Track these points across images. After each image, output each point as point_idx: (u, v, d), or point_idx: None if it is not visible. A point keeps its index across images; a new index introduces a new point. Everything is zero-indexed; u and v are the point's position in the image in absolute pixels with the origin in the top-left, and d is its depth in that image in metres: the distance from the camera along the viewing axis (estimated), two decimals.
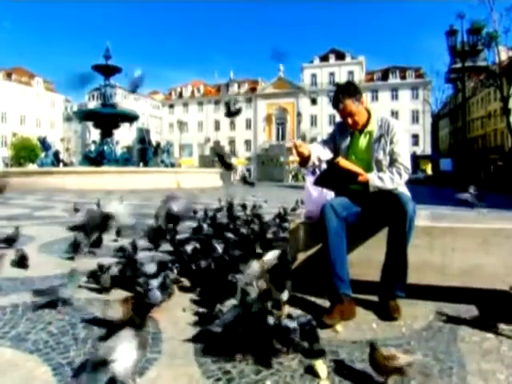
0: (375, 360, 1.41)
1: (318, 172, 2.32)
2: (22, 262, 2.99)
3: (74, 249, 3.28)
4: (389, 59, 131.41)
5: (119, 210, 3.03)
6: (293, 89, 61.99)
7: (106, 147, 18.57)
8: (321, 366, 1.51)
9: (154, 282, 2.12)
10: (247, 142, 64.03)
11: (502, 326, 1.90)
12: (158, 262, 2.59)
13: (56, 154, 18.57)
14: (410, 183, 2.44)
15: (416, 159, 38.70)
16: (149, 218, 5.89)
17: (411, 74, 58.57)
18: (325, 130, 53.30)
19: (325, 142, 2.55)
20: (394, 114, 50.86)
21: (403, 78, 58.90)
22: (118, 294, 2.34)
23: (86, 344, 1.74)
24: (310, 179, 2.44)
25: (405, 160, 2.29)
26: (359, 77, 58.52)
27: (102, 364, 1.24)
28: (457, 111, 28.41)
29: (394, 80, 59.15)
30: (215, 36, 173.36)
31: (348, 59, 61.75)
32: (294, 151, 2.36)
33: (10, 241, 3.68)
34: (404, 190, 2.32)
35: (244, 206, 5.71)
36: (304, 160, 2.33)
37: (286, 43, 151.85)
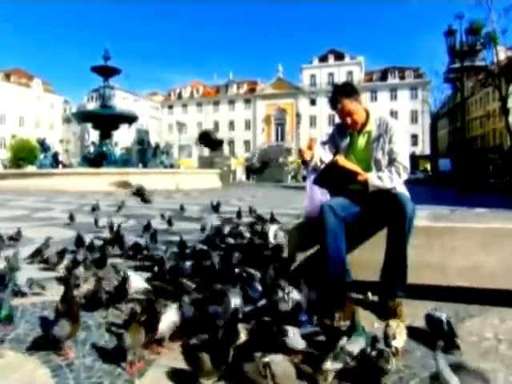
0: None
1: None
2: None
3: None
4: (388, 59, 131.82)
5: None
6: (292, 89, 62.03)
7: (105, 148, 18.54)
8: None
9: None
10: (246, 143, 64.03)
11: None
12: None
13: (55, 156, 18.55)
14: (409, 183, 2.44)
15: (415, 159, 38.66)
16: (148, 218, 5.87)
17: (410, 74, 58.63)
18: (324, 130, 53.29)
19: (324, 144, 2.55)
20: (393, 114, 50.81)
21: (402, 78, 58.97)
22: None
23: (84, 346, 1.74)
24: (311, 179, 2.45)
25: (404, 159, 2.29)
26: (358, 77, 58.56)
27: None
28: (456, 111, 28.43)
29: (392, 80, 59.22)
30: (214, 37, 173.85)
31: (347, 59, 61.80)
32: (303, 147, 2.37)
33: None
34: (403, 190, 2.32)
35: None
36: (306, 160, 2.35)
37: (286, 43, 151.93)
